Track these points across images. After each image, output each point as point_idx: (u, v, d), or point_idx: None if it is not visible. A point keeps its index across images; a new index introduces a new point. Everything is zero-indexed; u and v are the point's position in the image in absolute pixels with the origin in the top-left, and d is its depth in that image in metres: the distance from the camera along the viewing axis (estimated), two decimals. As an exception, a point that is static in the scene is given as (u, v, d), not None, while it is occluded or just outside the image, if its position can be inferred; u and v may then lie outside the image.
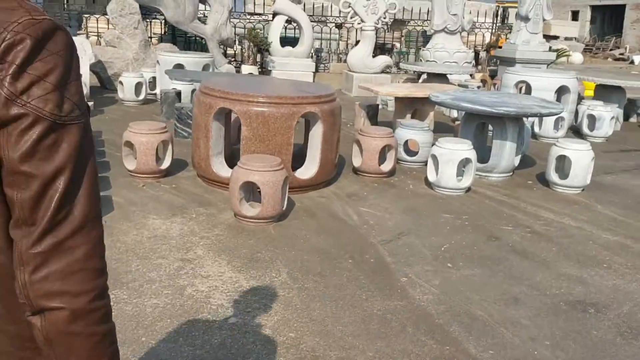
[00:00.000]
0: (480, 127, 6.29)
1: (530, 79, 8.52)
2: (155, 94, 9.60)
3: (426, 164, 5.64)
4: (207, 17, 11.25)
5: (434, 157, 5.42)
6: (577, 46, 29.60)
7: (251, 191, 4.50)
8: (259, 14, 14.46)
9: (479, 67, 12.79)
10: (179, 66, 9.13)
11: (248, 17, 12.90)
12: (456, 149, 5.32)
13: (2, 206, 0.86)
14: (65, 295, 0.85)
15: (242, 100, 4.85)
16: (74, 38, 1.02)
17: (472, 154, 5.36)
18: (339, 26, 14.31)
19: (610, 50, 33.95)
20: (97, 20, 12.21)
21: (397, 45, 15.19)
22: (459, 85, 9.69)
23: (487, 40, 15.67)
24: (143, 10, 11.41)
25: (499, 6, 18.82)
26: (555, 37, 22.42)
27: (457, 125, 7.35)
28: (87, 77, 8.21)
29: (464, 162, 5.38)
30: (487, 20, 16.97)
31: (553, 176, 5.75)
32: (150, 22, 12.33)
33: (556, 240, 4.47)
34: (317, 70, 12.39)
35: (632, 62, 24.10)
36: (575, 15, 39.86)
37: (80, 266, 0.86)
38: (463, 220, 4.80)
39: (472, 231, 4.57)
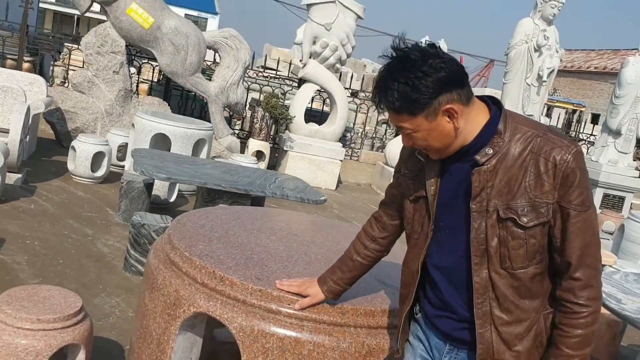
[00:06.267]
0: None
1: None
2: (123, 168, 6.80)
3: None
4: (214, 71, 8.57)
5: None
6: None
7: None
8: (272, 69, 11.88)
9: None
10: (161, 138, 6.35)
11: (265, 77, 10.21)
12: None
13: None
14: None
15: (251, 302, 1.99)
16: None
17: None
18: (354, 94, 11.49)
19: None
20: (69, 52, 9.46)
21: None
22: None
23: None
24: (132, 50, 8.75)
25: (574, 109, 16.69)
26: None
27: None
28: (17, 130, 5.39)
29: None
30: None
31: None
32: (140, 64, 9.64)
33: None
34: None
35: None
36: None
37: None
38: None
39: None
